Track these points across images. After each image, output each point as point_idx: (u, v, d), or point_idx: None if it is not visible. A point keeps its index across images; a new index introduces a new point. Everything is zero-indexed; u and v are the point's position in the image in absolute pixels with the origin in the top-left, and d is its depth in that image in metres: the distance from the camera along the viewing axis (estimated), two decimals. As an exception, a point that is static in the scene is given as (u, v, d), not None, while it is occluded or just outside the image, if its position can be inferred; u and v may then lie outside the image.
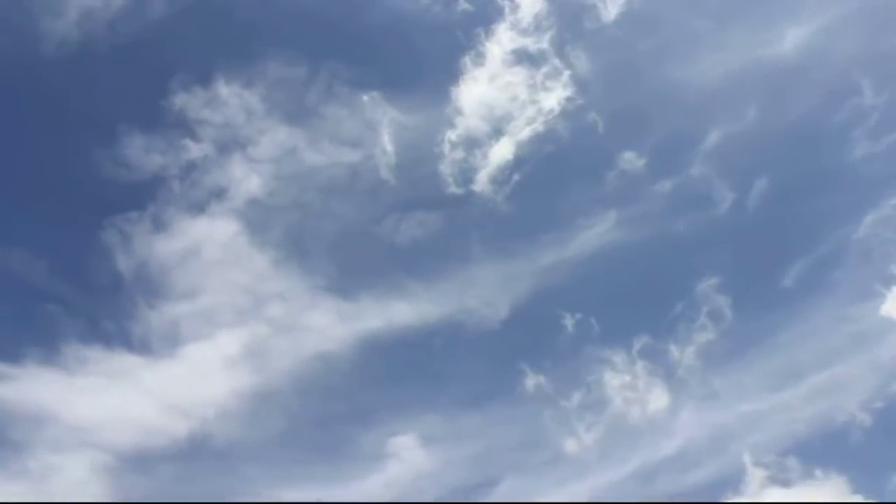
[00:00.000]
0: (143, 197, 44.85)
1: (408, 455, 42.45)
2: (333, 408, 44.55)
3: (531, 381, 43.26)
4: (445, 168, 46.29)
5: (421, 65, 48.89)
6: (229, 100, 45.60)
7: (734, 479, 39.63)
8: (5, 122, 45.25)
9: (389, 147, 46.17)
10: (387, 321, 45.03)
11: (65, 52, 43.76)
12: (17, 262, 45.03)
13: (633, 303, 46.04)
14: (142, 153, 44.58)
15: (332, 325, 44.84)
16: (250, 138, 45.94)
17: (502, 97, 46.73)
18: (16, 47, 43.81)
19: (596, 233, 46.06)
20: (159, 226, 44.85)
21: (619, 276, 46.64)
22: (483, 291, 45.79)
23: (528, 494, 40.88)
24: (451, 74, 46.87)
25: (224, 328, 45.26)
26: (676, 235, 46.27)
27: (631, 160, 46.29)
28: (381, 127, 46.40)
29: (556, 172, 47.57)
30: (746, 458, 39.76)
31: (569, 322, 44.18)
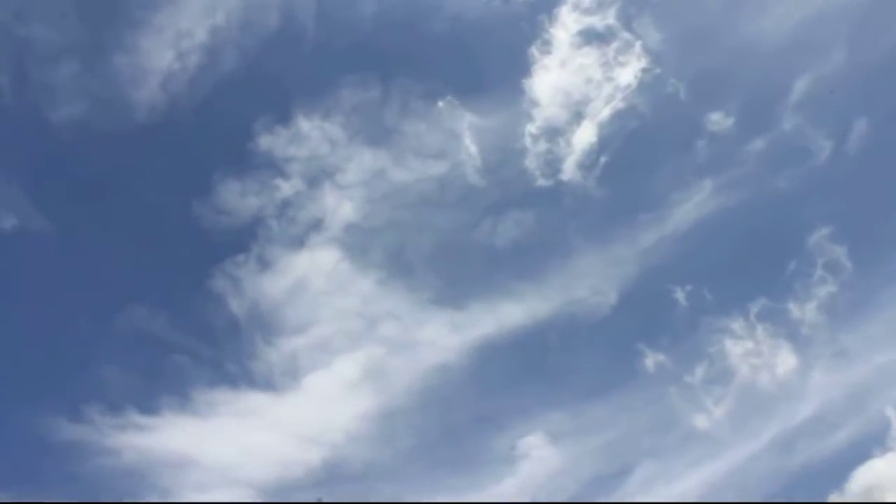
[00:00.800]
0: (246, 239, 46.29)
1: (538, 454, 42.29)
2: (458, 417, 44.68)
3: (651, 361, 42.53)
4: (531, 162, 46.08)
5: (489, 63, 48.79)
6: (311, 133, 46.60)
7: (878, 435, 38.09)
8: (109, 191, 47.59)
9: (473, 151, 46.21)
10: (498, 325, 45.04)
11: (154, 117, 45.63)
12: (141, 320, 47.23)
13: (743, 267, 44.78)
14: (237, 198, 46.09)
15: (445, 336, 45.15)
16: (337, 166, 46.81)
17: (576, 80, 46.19)
18: (110, 119, 45.82)
19: (694, 204, 45.06)
20: (264, 265, 46.21)
21: (725, 243, 45.53)
22: (589, 280, 45.35)
23: (664, 479, 40.12)
24: (521, 67, 46.69)
25: (341, 354, 46.17)
26: (778, 192, 44.80)
27: (718, 121, 45.10)
28: (461, 133, 46.52)
29: (643, 148, 46.75)
30: (890, 412, 38.05)
31: (680, 296, 43.34)
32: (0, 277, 48.60)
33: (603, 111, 45.74)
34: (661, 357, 42.55)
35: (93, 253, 47.37)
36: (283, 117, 46.54)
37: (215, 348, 48.47)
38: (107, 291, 47.94)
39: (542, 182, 45.95)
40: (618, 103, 45.73)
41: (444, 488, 42.67)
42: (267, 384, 48.32)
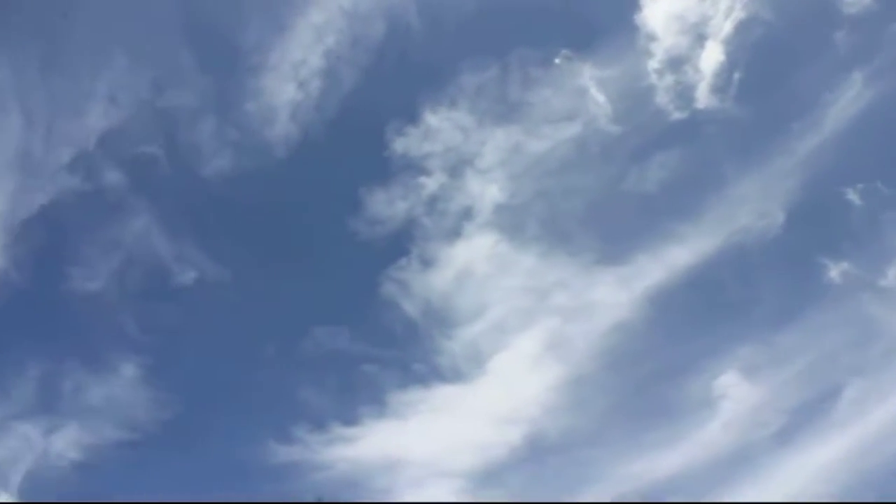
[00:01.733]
0: (403, 243, 47.70)
1: (735, 392, 41.47)
2: (645, 371, 44.35)
3: (836, 272, 40.52)
4: (662, 98, 44.69)
5: (597, 10, 47.91)
6: (441, 126, 47.34)
7: None
8: (268, 227, 50.29)
9: (601, 102, 45.34)
10: (667, 271, 44.22)
11: (292, 149, 47.78)
12: (325, 340, 49.78)
13: (913, 151, 41.93)
14: (386, 205, 47.54)
15: (616, 294, 44.77)
16: (474, 152, 47.34)
17: (689, 3, 44.30)
18: (253, 161, 48.41)
19: (847, 100, 42.26)
20: (426, 263, 47.48)
21: (889, 132, 42.61)
22: (751, 205, 43.62)
23: (876, 396, 38.21)
24: (629, 4, 45.43)
25: (518, 333, 46.78)
26: (936, 69, 41.47)
27: (854, 3, 42.27)
28: (585, 88, 45.74)
29: (777, 55, 44.24)
30: None
31: (854, 196, 40.96)
32: (193, 326, 52.37)
33: (724, 27, 43.73)
34: (846, 266, 40.44)
35: (268, 288, 50.28)
36: (411, 117, 47.51)
37: (399, 351, 50.31)
38: (289, 320, 50.82)
39: (677, 116, 44.65)
40: (738, 14, 43.56)
41: (645, 444, 42.58)
42: (454, 375, 49.68)
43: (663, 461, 41.20)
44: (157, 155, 47.19)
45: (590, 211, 46.71)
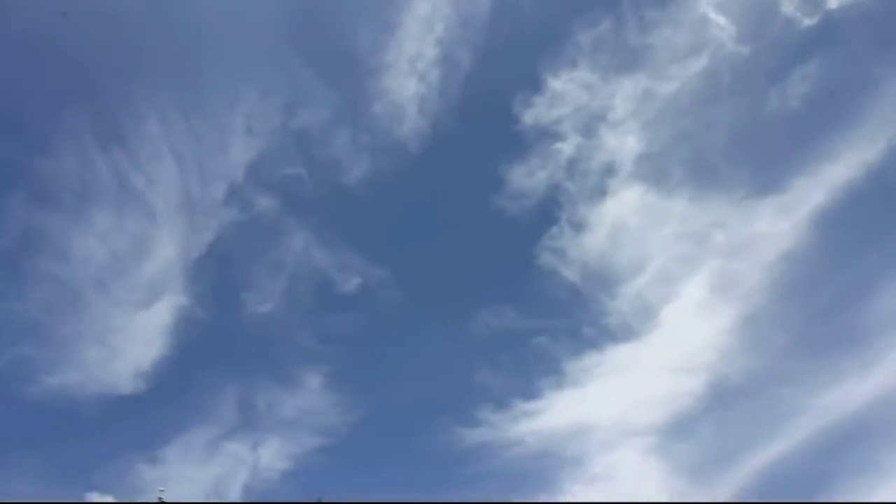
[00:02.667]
0: (551, 210, 47.74)
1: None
2: (824, 297, 42.51)
3: None
4: (788, 7, 42.12)
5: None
6: (566, 88, 46.86)
7: None
8: (417, 221, 51.55)
9: (724, 25, 43.36)
10: (829, 190, 41.86)
11: (425, 140, 48.71)
12: (493, 320, 50.71)
13: None
14: (527, 177, 47.63)
15: (778, 223, 43.08)
16: (604, 107, 46.61)
17: None
18: (390, 160, 49.66)
19: None
20: (578, 227, 47.25)
21: None
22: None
23: None
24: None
25: (683, 280, 45.81)
26: None
27: None
28: (705, 16, 43.89)
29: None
30: None
31: None
32: (365, 329, 54.47)
33: None
34: None
35: (428, 279, 51.63)
36: (535, 86, 47.28)
37: (566, 319, 50.40)
38: (454, 307, 52.05)
39: (809, 22, 42.02)
40: None
41: (836, 374, 40.93)
42: (626, 333, 49.28)
43: (858, 389, 39.34)
44: (300, 174, 49.39)
45: (734, 143, 45.01)
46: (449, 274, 50.68)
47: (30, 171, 49.09)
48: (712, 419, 47.02)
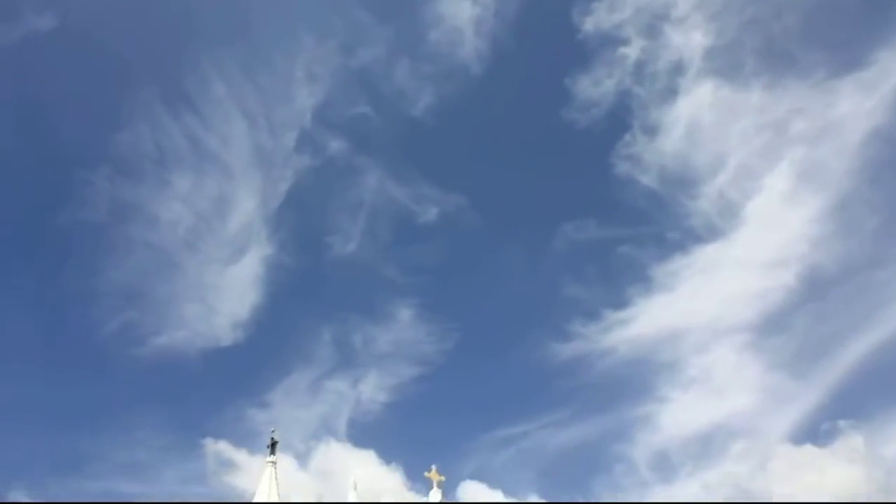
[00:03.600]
0: (622, 117, 47.52)
1: None
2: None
3: None
4: None
5: None
6: None
7: None
8: (490, 141, 51.52)
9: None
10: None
11: (486, 62, 48.27)
12: (574, 233, 50.72)
13: None
14: (594, 87, 46.92)
15: (862, 102, 41.41)
16: (667, 4, 45.59)
17: None
18: (453, 85, 49.53)
19: None
20: (651, 130, 46.57)
21: None
22: None
23: None
24: None
25: (766, 173, 44.83)
26: None
27: None
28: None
29: None
30: None
31: None
32: (448, 256, 55.08)
33: None
34: None
35: (505, 200, 51.75)
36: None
37: (649, 226, 50.04)
38: (535, 225, 52.18)
39: None
40: None
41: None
42: (711, 233, 48.62)
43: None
44: (366, 112, 49.71)
45: (807, 24, 43.24)
46: (526, 193, 50.67)
47: (110, 147, 50.77)
48: (807, 311, 46.24)
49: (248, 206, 52.22)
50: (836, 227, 42.95)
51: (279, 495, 54.52)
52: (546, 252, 51.96)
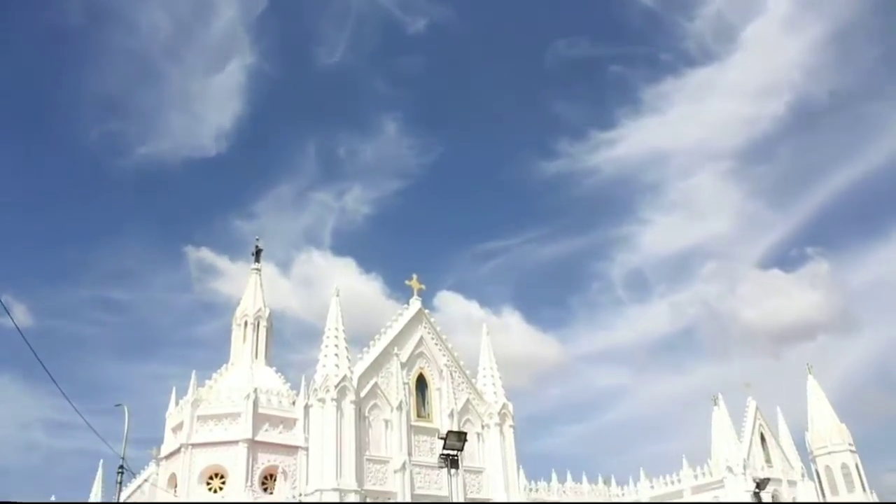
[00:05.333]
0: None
1: None
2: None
3: None
4: None
5: None
6: None
7: None
8: None
9: None
10: None
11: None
12: (568, 49, 49.44)
13: None
14: None
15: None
16: None
17: None
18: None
19: None
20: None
21: None
22: None
23: None
24: None
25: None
26: None
27: None
28: None
29: None
30: None
31: None
32: (436, 70, 53.89)
33: None
34: None
35: (497, 14, 50.00)
36: None
37: (642, 46, 48.94)
38: (526, 40, 50.73)
39: None
40: None
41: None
42: (705, 57, 47.76)
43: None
44: None
45: None
46: (519, 5, 48.85)
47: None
48: (794, 141, 46.41)
49: (229, 12, 50.42)
50: (834, 57, 42.04)
51: (264, 301, 56.20)
52: (536, 68, 50.92)
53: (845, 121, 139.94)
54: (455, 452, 22.00)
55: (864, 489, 66.86)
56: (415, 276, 36.79)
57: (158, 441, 51.11)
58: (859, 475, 67.73)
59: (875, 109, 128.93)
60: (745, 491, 46.12)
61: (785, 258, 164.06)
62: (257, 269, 56.11)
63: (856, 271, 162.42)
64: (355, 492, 29.70)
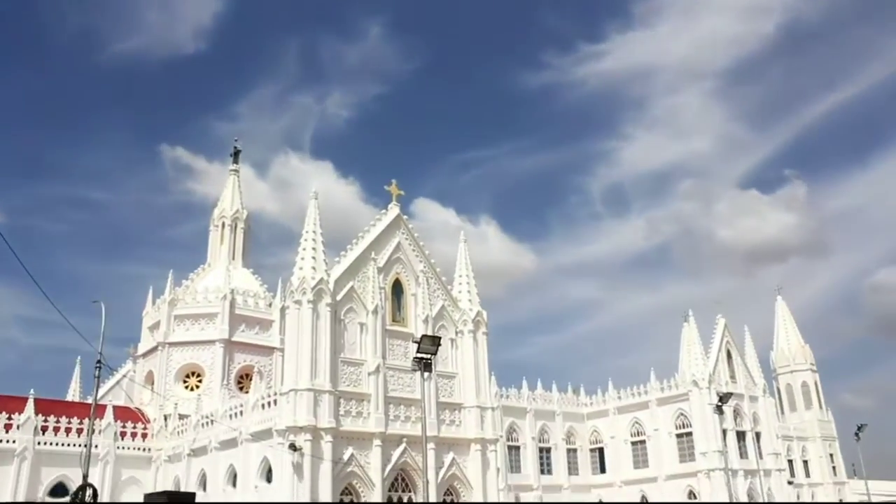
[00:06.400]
0: None
1: None
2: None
3: None
4: None
5: None
6: None
7: None
8: None
9: None
10: None
11: None
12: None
13: None
14: None
15: None
16: None
17: None
18: None
19: None
20: None
21: None
22: None
23: None
24: None
25: None
26: None
27: None
28: None
29: None
30: None
31: None
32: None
33: None
34: None
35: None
36: None
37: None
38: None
39: None
40: None
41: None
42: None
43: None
44: None
45: None
46: None
47: None
48: (782, 63, 46.01)
49: None
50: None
51: (242, 203, 56.11)
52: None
53: (835, 45, 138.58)
54: (428, 356, 22.42)
55: (820, 407, 69.34)
56: (394, 182, 36.70)
57: (135, 340, 51.64)
58: (818, 394, 70.16)
59: (866, 34, 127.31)
60: (709, 404, 47.60)
61: (764, 180, 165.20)
62: (235, 171, 55.62)
63: (832, 196, 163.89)
64: (330, 392, 30.29)
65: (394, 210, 36.08)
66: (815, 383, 70.46)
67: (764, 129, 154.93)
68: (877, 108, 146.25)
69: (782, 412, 67.63)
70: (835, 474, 65.21)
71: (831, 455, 66.14)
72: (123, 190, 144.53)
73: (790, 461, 60.30)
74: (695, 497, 50.10)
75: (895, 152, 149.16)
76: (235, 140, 58.07)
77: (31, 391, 40.04)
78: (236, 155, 56.20)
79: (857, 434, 39.06)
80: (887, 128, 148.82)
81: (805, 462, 63.56)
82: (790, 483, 56.61)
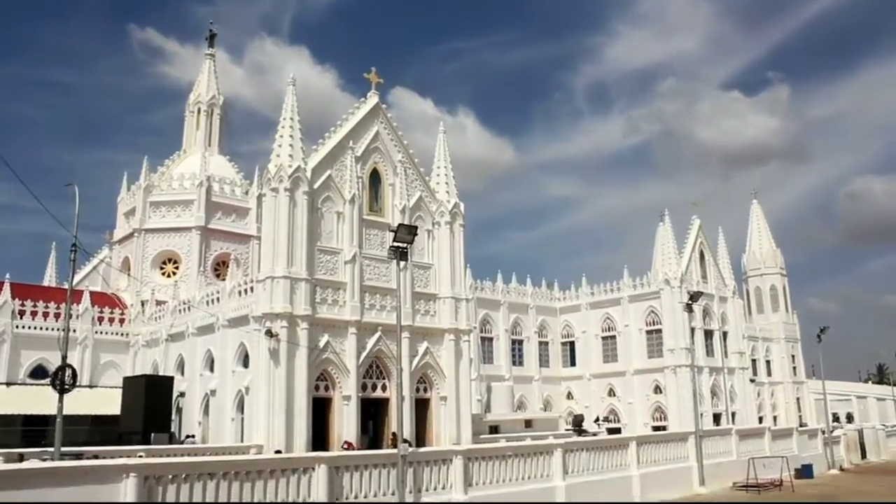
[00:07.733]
0: None
1: None
2: None
3: None
4: None
5: None
6: None
7: None
8: None
9: None
10: None
11: None
12: None
13: None
14: None
15: None
16: None
17: None
18: None
19: None
20: None
21: None
22: None
23: None
24: None
25: None
26: None
27: None
28: None
29: None
30: None
31: None
32: None
33: None
34: None
35: None
36: None
37: None
38: None
39: None
40: None
41: None
42: None
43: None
44: None
45: None
46: None
47: None
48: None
49: None
50: None
51: (218, 88, 54.95)
52: None
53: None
54: (404, 245, 22.44)
55: (787, 310, 71.13)
56: (374, 70, 35.89)
57: (111, 227, 51.36)
58: (785, 297, 71.88)
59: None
60: (679, 302, 48.58)
61: (747, 81, 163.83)
62: (211, 55, 54.10)
63: (815, 102, 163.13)
64: (306, 280, 30.43)
65: (373, 98, 35.43)
66: (784, 287, 72.06)
67: (751, 30, 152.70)
68: (868, 13, 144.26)
69: (750, 314, 69.32)
70: (795, 374, 67.52)
71: (793, 356, 68.36)
72: (93, 72, 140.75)
73: (754, 360, 62.26)
74: (661, 392, 51.81)
75: (883, 61, 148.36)
76: (211, 23, 56.36)
77: (7, 276, 40.00)
78: (212, 38, 54.56)
79: (819, 336, 40.16)
80: (877, 35, 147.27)
81: (768, 362, 65.67)
82: (752, 381, 58.58)
